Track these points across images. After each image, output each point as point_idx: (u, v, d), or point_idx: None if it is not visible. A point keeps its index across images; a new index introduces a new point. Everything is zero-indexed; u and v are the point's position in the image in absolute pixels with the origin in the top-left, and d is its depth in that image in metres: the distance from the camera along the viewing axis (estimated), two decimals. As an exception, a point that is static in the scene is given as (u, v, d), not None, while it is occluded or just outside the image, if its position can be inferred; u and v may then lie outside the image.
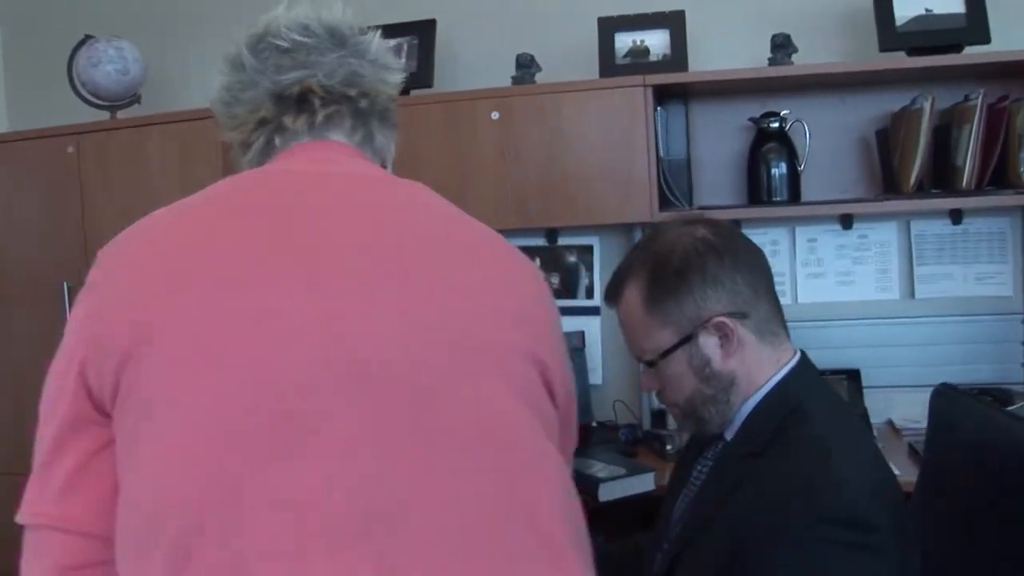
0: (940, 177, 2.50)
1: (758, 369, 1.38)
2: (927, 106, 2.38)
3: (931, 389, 2.59)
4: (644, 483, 2.30)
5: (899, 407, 2.69)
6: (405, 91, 2.59)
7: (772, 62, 2.52)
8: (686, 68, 2.56)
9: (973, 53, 2.40)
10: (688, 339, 1.36)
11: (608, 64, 2.60)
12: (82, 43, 2.82)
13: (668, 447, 2.54)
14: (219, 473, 0.78)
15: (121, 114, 2.86)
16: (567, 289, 2.88)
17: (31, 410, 0.91)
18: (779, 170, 2.59)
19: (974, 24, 2.41)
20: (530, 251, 2.84)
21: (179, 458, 0.80)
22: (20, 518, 0.88)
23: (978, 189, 2.41)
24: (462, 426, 0.84)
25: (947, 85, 2.50)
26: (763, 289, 1.39)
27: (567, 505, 0.91)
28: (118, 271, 0.89)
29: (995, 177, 2.40)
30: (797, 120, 2.59)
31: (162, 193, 2.57)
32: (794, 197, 2.60)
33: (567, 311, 2.85)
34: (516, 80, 2.64)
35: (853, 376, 2.69)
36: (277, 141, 1.05)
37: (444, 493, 0.81)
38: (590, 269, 2.87)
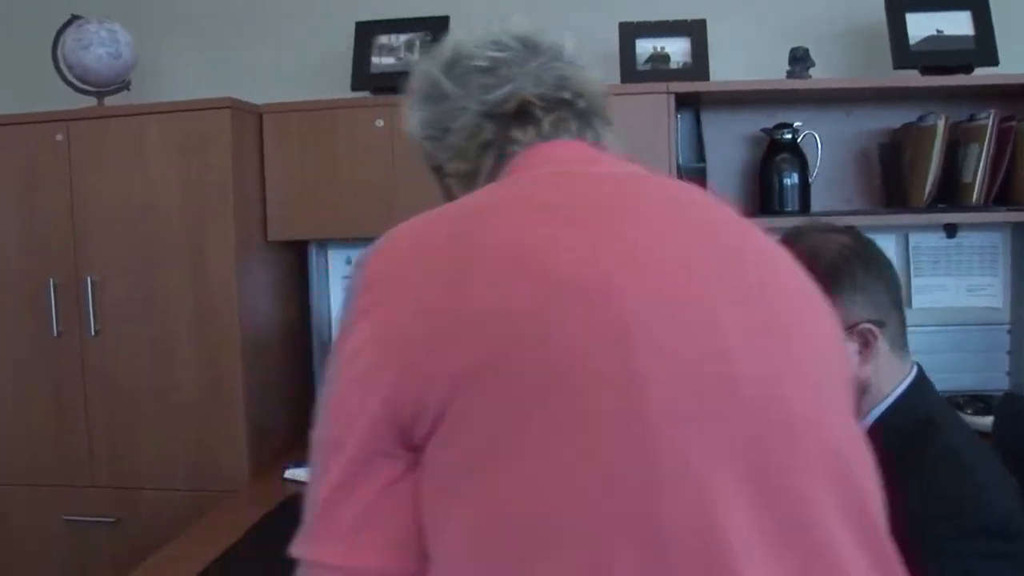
0: (943, 192, 2.64)
1: (887, 379, 1.45)
2: (940, 124, 2.51)
3: None
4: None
5: (895, 413, 2.83)
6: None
7: (790, 74, 2.61)
8: (707, 77, 2.62)
9: (984, 74, 2.54)
10: (853, 327, 1.41)
11: (629, 70, 2.64)
12: (69, 23, 2.69)
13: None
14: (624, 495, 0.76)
15: (109, 101, 2.75)
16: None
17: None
18: (791, 180, 2.68)
19: (983, 46, 2.56)
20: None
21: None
22: (303, 554, 0.84)
23: (980, 205, 2.55)
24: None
25: (951, 103, 2.64)
26: (897, 300, 1.46)
27: None
28: (453, 285, 0.84)
29: (999, 194, 2.55)
30: (809, 132, 2.69)
31: (159, 184, 2.53)
32: (804, 208, 2.69)
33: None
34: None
35: (852, 383, 2.81)
36: (510, 155, 1.04)
37: None
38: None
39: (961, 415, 2.66)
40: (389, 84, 2.66)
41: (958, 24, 2.58)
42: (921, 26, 2.58)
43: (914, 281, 2.84)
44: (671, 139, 2.56)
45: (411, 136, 1.12)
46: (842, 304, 1.39)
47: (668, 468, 0.75)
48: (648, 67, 2.65)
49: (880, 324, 1.42)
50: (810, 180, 2.70)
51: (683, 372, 0.79)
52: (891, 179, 2.75)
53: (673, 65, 2.65)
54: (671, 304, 0.82)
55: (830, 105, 2.78)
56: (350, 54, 2.75)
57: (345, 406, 0.84)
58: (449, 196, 1.10)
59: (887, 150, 2.76)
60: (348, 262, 2.92)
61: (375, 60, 2.70)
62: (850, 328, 1.41)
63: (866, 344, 1.42)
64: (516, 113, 1.05)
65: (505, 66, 1.07)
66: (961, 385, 2.80)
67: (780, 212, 2.70)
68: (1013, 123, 2.50)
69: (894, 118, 2.75)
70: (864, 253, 1.44)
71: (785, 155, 2.69)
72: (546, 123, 1.05)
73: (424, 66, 1.12)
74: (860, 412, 1.44)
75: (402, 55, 2.69)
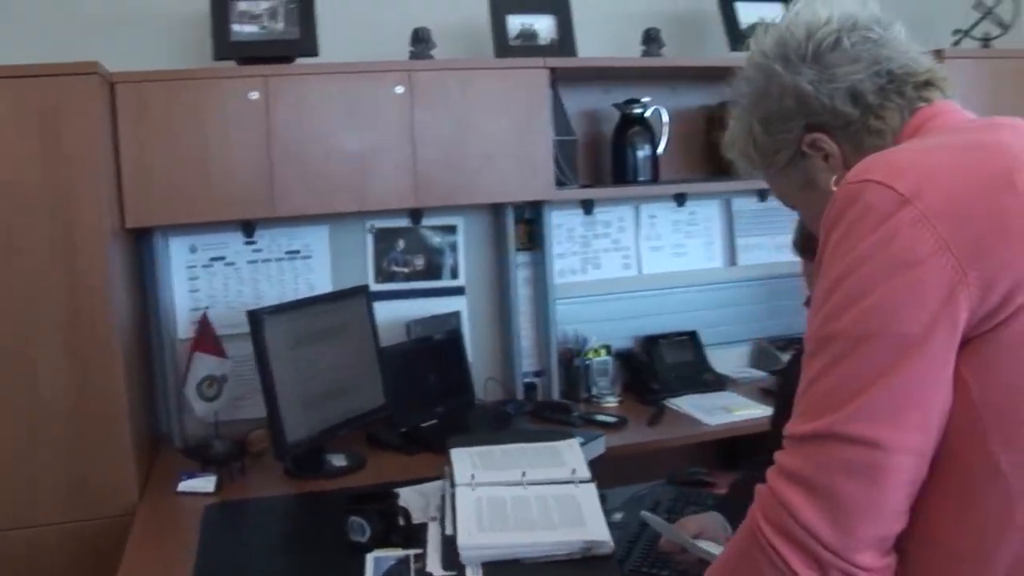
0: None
1: None
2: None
3: (750, 342, 3.22)
4: (598, 447, 2.55)
5: (729, 360, 3.24)
6: (289, 58, 2.56)
7: (645, 53, 2.90)
8: (575, 53, 2.82)
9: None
10: None
11: (502, 45, 2.77)
12: None
13: (574, 413, 2.81)
14: None
15: None
16: (431, 271, 2.98)
17: None
18: (643, 152, 2.97)
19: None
20: (393, 233, 2.91)
21: None
22: (845, 430, 0.96)
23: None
24: None
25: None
26: None
27: None
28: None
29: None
30: (656, 107, 2.99)
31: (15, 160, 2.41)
32: (655, 177, 2.99)
33: (433, 292, 2.98)
34: (414, 55, 2.70)
35: (693, 337, 3.18)
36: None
37: None
38: (454, 250, 3.00)
39: (784, 355, 3.15)
40: (256, 53, 2.57)
41: (775, 13, 3.01)
42: (749, 14, 2.98)
43: (738, 241, 3.26)
44: (547, 113, 2.74)
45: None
46: None
47: None
48: (519, 43, 2.80)
49: None
50: (659, 152, 3.00)
51: None
52: (714, 149, 3.14)
53: (541, 42, 2.82)
54: None
55: (659, 83, 3.11)
56: (206, 20, 2.60)
57: (899, 295, 0.96)
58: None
59: (713, 124, 3.14)
60: (192, 251, 2.77)
61: (236, 28, 2.58)
62: None
63: None
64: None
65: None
66: (779, 330, 3.28)
67: (634, 182, 2.98)
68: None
69: (717, 95, 3.14)
70: None
71: (637, 129, 2.97)
72: None
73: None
74: None
75: (266, 23, 2.60)
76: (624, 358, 3.08)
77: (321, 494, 2.31)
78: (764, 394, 2.96)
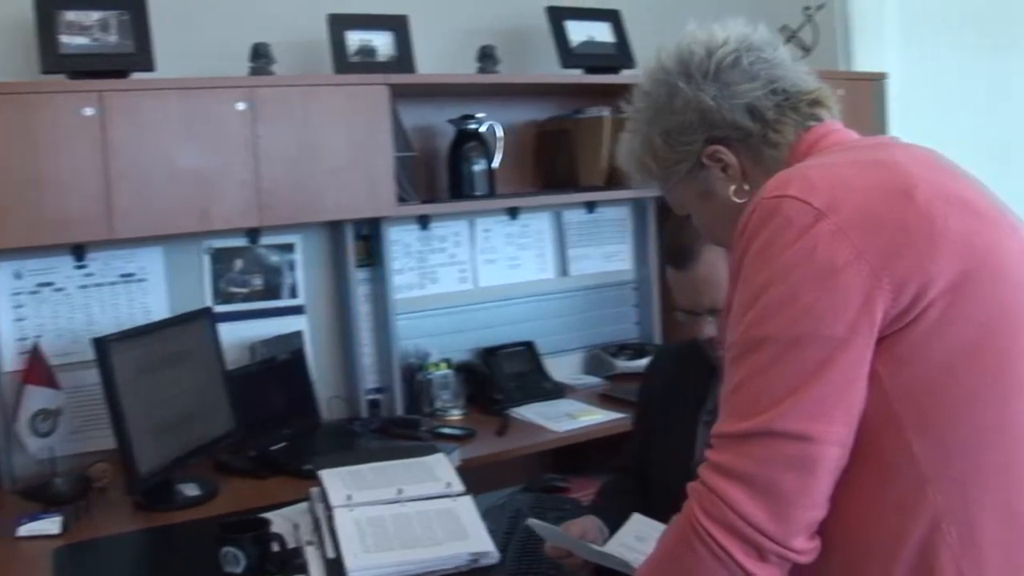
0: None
1: None
2: (607, 115, 3.07)
3: (584, 350, 3.37)
4: (454, 460, 2.59)
5: (565, 368, 3.36)
6: (123, 73, 2.47)
7: (481, 70, 2.97)
8: (413, 70, 2.86)
9: (631, 73, 3.15)
10: None
11: (342, 61, 2.77)
12: None
13: (422, 428, 2.85)
14: None
15: None
16: (270, 290, 2.93)
17: None
18: (479, 166, 3.04)
19: (622, 51, 3.18)
20: (230, 252, 2.85)
21: None
22: (781, 426, 1.04)
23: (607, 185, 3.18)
24: None
25: (601, 98, 3.22)
26: None
27: None
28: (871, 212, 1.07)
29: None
30: (491, 122, 3.07)
31: None
32: (491, 191, 3.07)
33: (273, 312, 2.93)
34: (255, 71, 2.65)
35: (529, 347, 3.28)
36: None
37: None
38: (293, 268, 2.96)
39: (617, 361, 3.31)
40: (89, 67, 2.45)
41: (603, 32, 3.17)
42: (577, 31, 3.12)
43: (568, 252, 3.40)
44: (391, 130, 2.76)
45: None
46: None
47: None
48: (358, 59, 2.80)
49: None
50: (494, 167, 3.08)
51: None
52: (547, 164, 3.27)
53: (381, 58, 2.84)
54: None
55: (494, 98, 3.19)
56: (28, 29, 2.46)
57: (819, 305, 1.05)
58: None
59: (544, 139, 3.26)
60: (17, 276, 2.59)
61: (64, 39, 2.45)
62: None
63: None
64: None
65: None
66: (610, 336, 3.45)
67: (471, 196, 3.05)
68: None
69: (543, 111, 3.26)
70: None
71: (472, 144, 3.04)
72: None
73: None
74: None
75: (97, 35, 2.49)
76: (465, 370, 3.14)
77: (177, 526, 2.23)
78: (603, 399, 3.10)
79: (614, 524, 1.96)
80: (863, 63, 3.48)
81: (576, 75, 3.13)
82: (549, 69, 3.16)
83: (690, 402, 2.02)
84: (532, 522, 1.91)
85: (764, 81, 1.26)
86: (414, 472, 2.17)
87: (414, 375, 3.06)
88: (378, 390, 3.05)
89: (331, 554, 1.89)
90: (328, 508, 2.00)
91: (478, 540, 1.92)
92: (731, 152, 1.27)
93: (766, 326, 1.08)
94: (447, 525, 1.96)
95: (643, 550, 1.81)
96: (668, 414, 2.07)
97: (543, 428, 2.88)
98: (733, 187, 1.28)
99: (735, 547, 1.08)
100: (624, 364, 3.32)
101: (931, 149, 1.22)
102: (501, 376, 3.15)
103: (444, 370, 3.07)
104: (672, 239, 1.94)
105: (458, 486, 2.10)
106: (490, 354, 3.21)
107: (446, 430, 2.86)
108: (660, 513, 1.92)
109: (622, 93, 3.40)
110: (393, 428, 2.87)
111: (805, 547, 1.08)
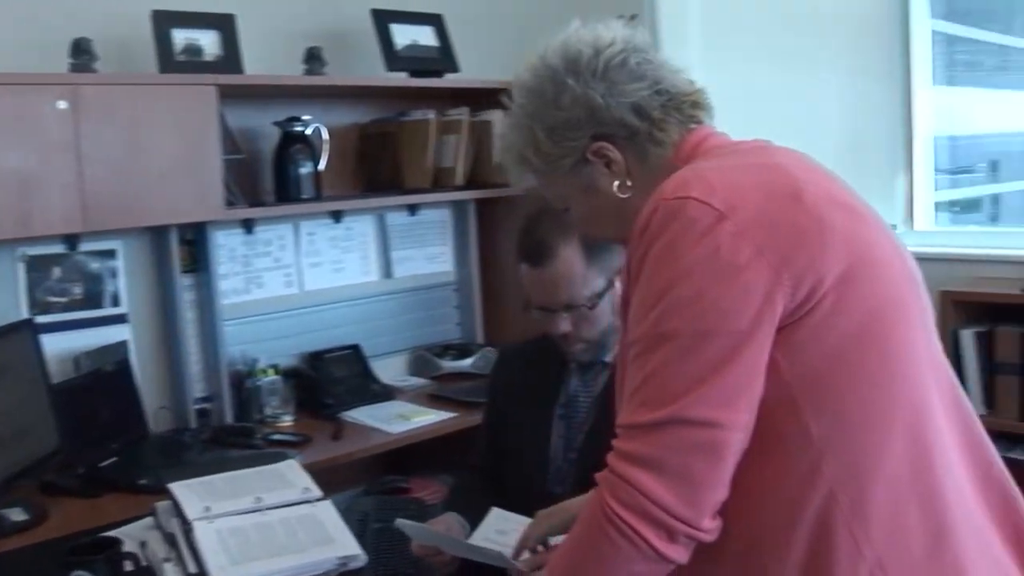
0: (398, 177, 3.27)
1: None
2: (432, 117, 3.13)
3: (409, 352, 3.44)
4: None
5: (390, 370, 3.39)
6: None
7: (308, 71, 2.96)
8: (241, 70, 2.80)
9: (454, 77, 3.22)
10: (611, 284, 1.93)
11: (168, 60, 2.68)
12: None
13: (256, 436, 2.80)
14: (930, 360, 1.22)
15: None
16: (91, 299, 2.79)
17: None
18: (306, 169, 3.02)
19: (445, 55, 3.24)
20: (47, 260, 2.71)
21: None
22: (690, 414, 1.12)
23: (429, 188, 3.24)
24: None
25: (421, 102, 3.27)
26: None
27: None
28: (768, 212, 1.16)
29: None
30: (316, 124, 3.05)
31: None
32: (318, 195, 3.06)
33: (94, 322, 2.80)
34: (76, 67, 2.52)
35: (356, 350, 3.29)
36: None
37: None
38: (115, 276, 2.84)
39: (442, 361, 3.38)
40: None
41: (427, 36, 3.22)
42: (402, 35, 3.16)
43: (392, 254, 3.43)
44: (219, 132, 2.71)
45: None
46: (613, 256, 1.92)
47: None
48: (184, 58, 2.72)
49: None
50: (320, 169, 3.07)
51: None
52: (371, 167, 3.29)
53: (207, 58, 2.77)
54: None
55: (328, 100, 3.19)
56: None
57: (723, 300, 1.13)
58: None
59: (367, 141, 3.28)
60: None
61: None
62: (611, 279, 1.95)
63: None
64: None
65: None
66: (435, 337, 3.51)
67: (298, 199, 3.03)
68: (478, 118, 3.25)
69: (374, 113, 3.28)
70: None
71: (298, 147, 3.02)
72: None
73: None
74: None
75: None
76: (293, 376, 3.12)
77: (6, 555, 2.10)
78: (432, 400, 3.16)
79: (472, 521, 2.02)
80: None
81: (401, 78, 3.17)
82: (374, 72, 3.18)
83: (543, 397, 2.11)
84: (401, 522, 1.94)
85: (650, 81, 1.32)
86: (268, 480, 2.16)
87: (242, 382, 3.01)
88: (206, 399, 2.97)
89: (193, 569, 1.86)
90: (186, 522, 1.96)
91: (344, 544, 1.94)
92: (616, 149, 1.32)
93: (673, 322, 1.15)
94: (311, 531, 1.96)
95: (507, 543, 1.89)
96: (521, 410, 2.14)
97: (378, 430, 2.90)
98: (617, 183, 1.33)
99: (648, 531, 1.14)
100: (450, 364, 3.39)
101: (800, 152, 1.33)
102: (330, 380, 3.15)
103: (272, 376, 3.03)
104: (527, 237, 1.99)
105: (316, 491, 2.10)
106: (317, 358, 3.20)
107: (280, 436, 2.83)
108: (518, 507, 2.01)
109: (446, 97, 3.51)
110: (225, 437, 2.81)
111: (711, 526, 1.17)
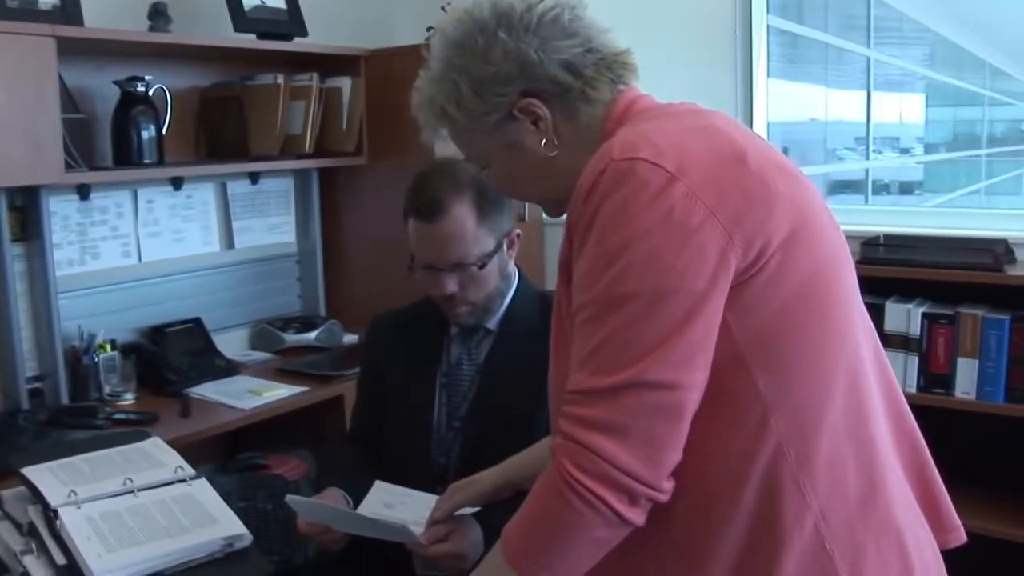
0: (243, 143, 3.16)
1: (513, 270, 2.04)
2: (282, 82, 3.01)
3: (250, 326, 3.35)
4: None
5: (232, 344, 3.26)
6: None
7: (152, 28, 2.78)
8: (81, 22, 2.60)
9: (303, 42, 3.11)
10: (500, 246, 1.93)
11: (-1, 6, 2.45)
12: None
13: (100, 415, 2.63)
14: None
15: None
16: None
17: None
18: (148, 132, 2.84)
19: (295, 19, 3.13)
20: None
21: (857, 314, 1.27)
22: (651, 376, 1.13)
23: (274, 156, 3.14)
24: None
25: (267, 66, 3.15)
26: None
27: None
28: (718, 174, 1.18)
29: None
30: (159, 86, 2.88)
31: None
32: (160, 159, 2.89)
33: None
34: None
35: (198, 323, 3.14)
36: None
37: None
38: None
39: (286, 335, 3.29)
40: None
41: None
42: (250, -3, 3.03)
43: (234, 224, 3.29)
44: (56, 88, 2.51)
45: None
46: (508, 215, 1.94)
47: None
48: (17, 5, 2.50)
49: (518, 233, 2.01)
50: (163, 132, 2.90)
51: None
52: (213, 132, 3.15)
53: (43, 6, 2.55)
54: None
55: (167, 60, 3.01)
56: None
57: (677, 263, 1.14)
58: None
59: (208, 105, 3.13)
60: None
61: None
62: (507, 233, 1.95)
63: (512, 245, 1.99)
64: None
65: None
66: (276, 310, 3.41)
67: (139, 164, 2.85)
68: (326, 84, 3.16)
69: (217, 76, 3.13)
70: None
71: (140, 108, 2.84)
72: None
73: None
74: (503, 299, 2.01)
75: None
76: (134, 351, 2.94)
77: None
78: (279, 374, 3.06)
79: (354, 496, 1.96)
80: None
81: (250, 40, 3.03)
82: (221, 32, 3.03)
83: (424, 365, 2.06)
84: (291, 498, 1.88)
85: (582, 39, 1.31)
86: (134, 459, 2.03)
87: (79, 359, 2.81)
88: (38, 377, 2.76)
89: (61, 560, 1.73)
90: (49, 509, 1.82)
91: (228, 524, 1.85)
92: (545, 106, 1.31)
93: (629, 284, 1.15)
94: (191, 511, 1.87)
95: (398, 516, 1.86)
96: (400, 380, 2.09)
97: (229, 407, 2.78)
98: (544, 141, 1.32)
99: (612, 497, 1.15)
100: (293, 338, 3.30)
101: (730, 116, 1.37)
102: (172, 355, 2.99)
103: (110, 352, 2.86)
104: (418, 192, 1.94)
105: (189, 469, 1.99)
106: (158, 332, 3.04)
107: (124, 415, 2.67)
108: (400, 478, 1.98)
109: (293, 62, 3.39)
110: (64, 418, 2.62)
111: (669, 487, 1.18)
